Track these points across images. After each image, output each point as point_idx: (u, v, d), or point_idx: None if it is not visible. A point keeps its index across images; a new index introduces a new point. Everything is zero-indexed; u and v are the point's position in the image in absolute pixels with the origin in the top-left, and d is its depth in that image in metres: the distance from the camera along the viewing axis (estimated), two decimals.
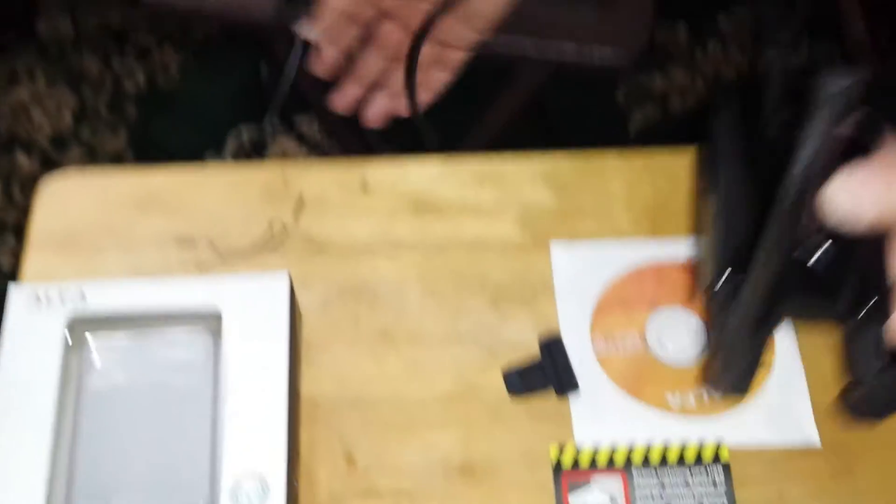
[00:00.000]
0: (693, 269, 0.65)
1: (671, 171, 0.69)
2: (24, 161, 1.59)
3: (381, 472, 0.58)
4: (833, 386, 0.61)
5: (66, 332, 0.55)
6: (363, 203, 0.68)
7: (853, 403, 0.56)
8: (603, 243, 0.67)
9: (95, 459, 0.54)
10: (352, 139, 1.01)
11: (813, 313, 0.52)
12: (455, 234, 0.67)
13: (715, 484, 0.58)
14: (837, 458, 0.59)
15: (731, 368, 0.53)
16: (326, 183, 0.69)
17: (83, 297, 0.56)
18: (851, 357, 0.54)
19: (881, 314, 0.48)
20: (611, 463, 0.59)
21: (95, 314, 0.56)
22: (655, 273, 0.66)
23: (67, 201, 0.68)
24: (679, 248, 0.66)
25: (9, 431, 0.53)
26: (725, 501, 0.57)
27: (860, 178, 0.47)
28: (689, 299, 0.64)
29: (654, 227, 0.68)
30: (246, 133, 1.52)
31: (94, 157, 1.59)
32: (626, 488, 0.58)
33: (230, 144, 1.53)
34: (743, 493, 0.58)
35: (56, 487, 0.52)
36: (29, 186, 1.54)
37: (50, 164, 1.58)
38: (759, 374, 0.62)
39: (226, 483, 0.52)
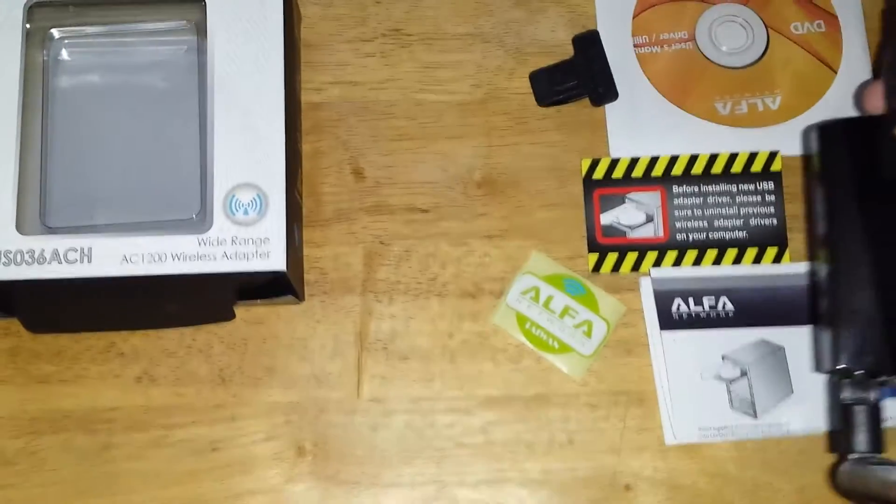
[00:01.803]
0: None
1: None
2: None
3: (392, 186, 0.53)
4: None
5: (26, 20, 0.48)
6: None
7: None
8: None
9: (72, 168, 0.49)
10: None
11: None
12: None
13: (763, 197, 0.52)
14: None
15: None
16: None
17: None
18: None
19: None
20: (648, 176, 0.53)
21: (59, 2, 0.49)
22: None
23: None
24: None
25: None
26: (774, 217, 0.52)
27: None
28: None
29: None
30: None
31: None
32: (664, 204, 0.52)
33: None
34: (794, 209, 0.52)
35: (28, 198, 0.47)
36: None
37: None
38: (823, 77, 0.54)
39: (218, 194, 0.46)
